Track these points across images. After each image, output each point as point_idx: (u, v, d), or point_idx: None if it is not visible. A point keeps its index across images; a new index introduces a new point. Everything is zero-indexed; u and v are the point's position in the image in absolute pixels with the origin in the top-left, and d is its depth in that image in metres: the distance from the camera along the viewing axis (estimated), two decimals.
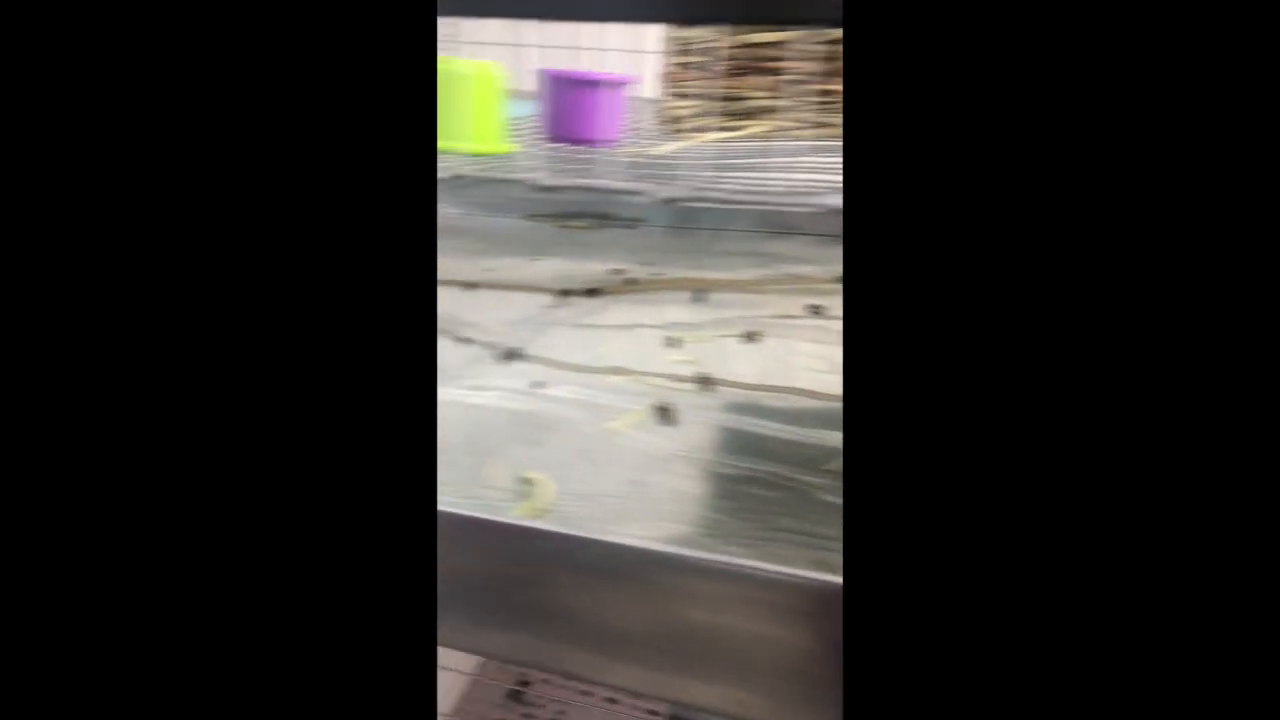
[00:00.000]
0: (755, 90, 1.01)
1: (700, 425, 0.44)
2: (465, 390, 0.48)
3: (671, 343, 0.57)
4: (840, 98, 0.94)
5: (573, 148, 1.03)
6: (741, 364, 0.53)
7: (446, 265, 0.76)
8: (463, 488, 0.36)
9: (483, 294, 0.69)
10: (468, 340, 0.56)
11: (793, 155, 0.95)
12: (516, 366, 0.52)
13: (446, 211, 0.99)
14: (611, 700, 1.04)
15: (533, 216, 0.96)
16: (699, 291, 0.69)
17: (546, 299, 0.67)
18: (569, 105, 1.01)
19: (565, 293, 0.68)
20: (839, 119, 0.97)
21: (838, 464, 0.39)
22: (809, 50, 0.94)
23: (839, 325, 0.60)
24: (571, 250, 0.84)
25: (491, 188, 1.01)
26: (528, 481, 0.36)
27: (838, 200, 0.85)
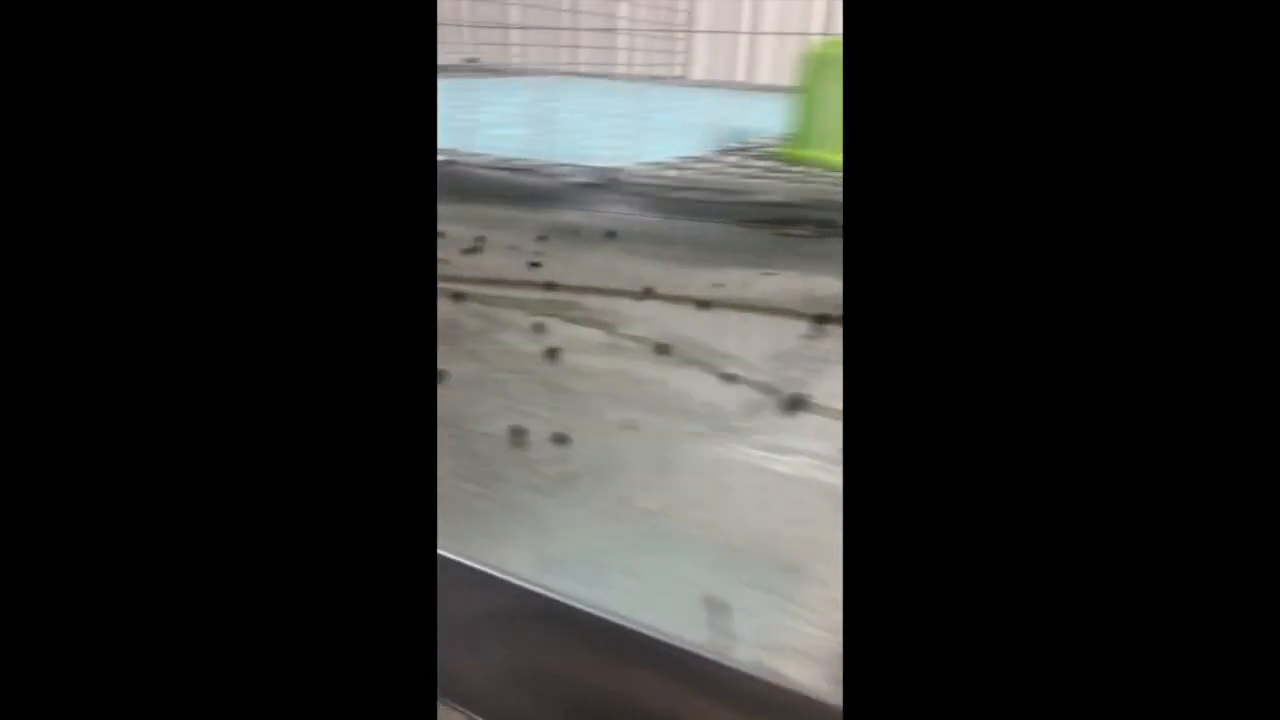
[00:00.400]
0: None
1: None
2: (762, 451, 0.39)
3: None
4: None
5: None
6: None
7: (667, 277, 0.67)
8: (827, 613, 0.27)
9: (722, 316, 0.60)
10: (732, 378, 0.47)
11: None
12: (808, 421, 0.43)
13: (646, 218, 0.92)
14: None
15: (746, 223, 0.87)
16: None
17: (802, 326, 0.57)
18: None
19: (821, 319, 0.58)
20: None
21: None
22: None
23: None
24: (801, 263, 0.73)
25: (695, 191, 0.92)
26: None
27: None
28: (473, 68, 0.88)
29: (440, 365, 0.48)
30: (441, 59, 0.94)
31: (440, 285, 0.66)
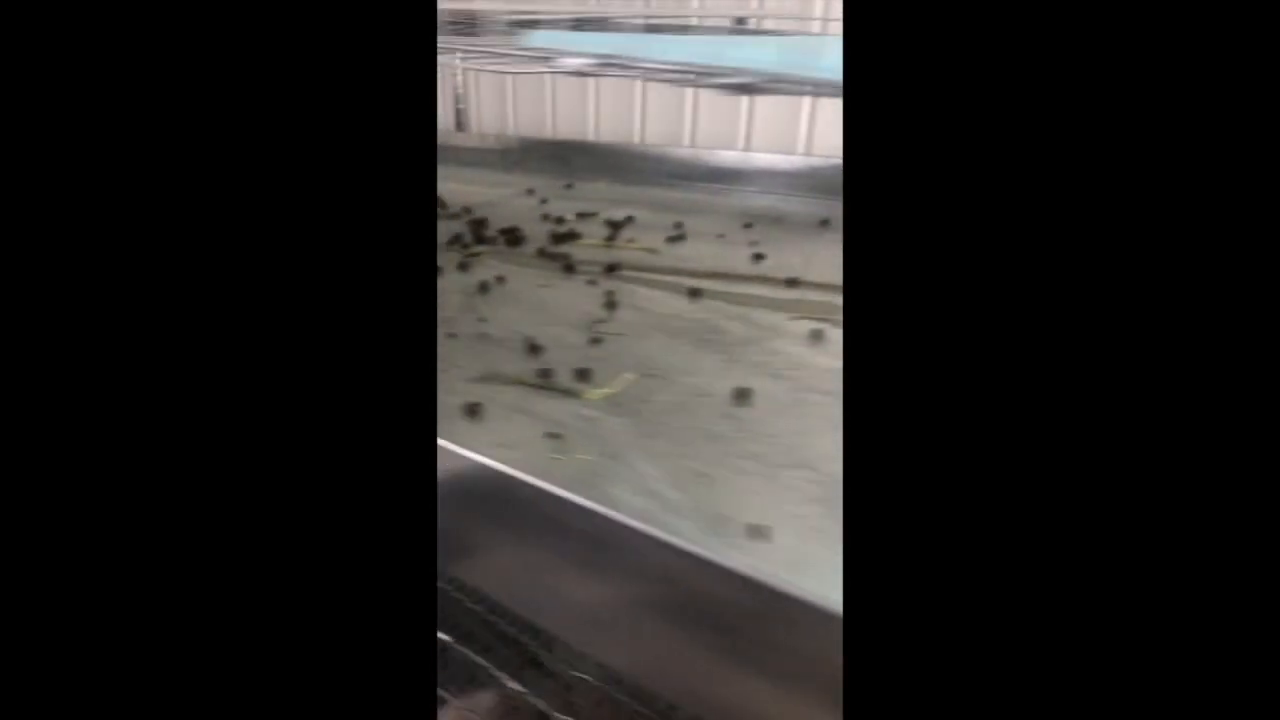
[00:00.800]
0: None
1: None
2: None
3: None
4: None
5: None
6: None
7: None
8: None
9: None
10: None
11: None
12: None
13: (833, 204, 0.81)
14: None
15: None
16: None
17: None
18: None
19: None
20: None
21: None
22: None
23: None
24: None
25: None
26: None
27: None
28: (744, 30, 0.79)
29: (727, 381, 0.38)
30: (708, 21, 0.84)
31: (663, 278, 0.57)
